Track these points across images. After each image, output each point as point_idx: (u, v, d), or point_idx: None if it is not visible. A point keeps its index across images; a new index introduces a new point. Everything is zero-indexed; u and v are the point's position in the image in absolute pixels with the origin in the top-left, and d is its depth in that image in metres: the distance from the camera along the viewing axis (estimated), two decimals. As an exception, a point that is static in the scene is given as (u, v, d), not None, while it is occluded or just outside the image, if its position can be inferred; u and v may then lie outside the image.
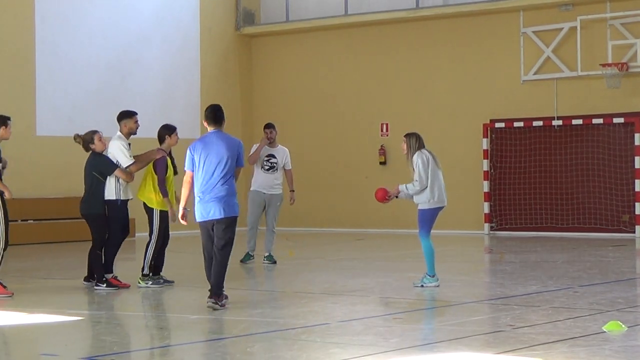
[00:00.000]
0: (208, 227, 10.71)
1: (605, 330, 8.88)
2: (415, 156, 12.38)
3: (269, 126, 15.89)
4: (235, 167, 10.77)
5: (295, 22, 26.15)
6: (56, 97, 22.25)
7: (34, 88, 21.90)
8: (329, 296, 11.80)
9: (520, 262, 16.01)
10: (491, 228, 23.16)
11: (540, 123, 22.65)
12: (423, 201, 12.36)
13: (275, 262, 15.75)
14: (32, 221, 21.09)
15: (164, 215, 12.65)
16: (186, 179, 10.83)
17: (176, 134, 12.95)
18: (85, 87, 22.85)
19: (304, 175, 25.64)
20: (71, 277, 14.12)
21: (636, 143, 21.58)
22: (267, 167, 15.67)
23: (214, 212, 10.61)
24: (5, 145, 12.12)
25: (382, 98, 24.86)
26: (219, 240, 10.64)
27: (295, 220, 25.25)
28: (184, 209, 10.88)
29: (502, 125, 23.07)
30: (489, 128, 23.17)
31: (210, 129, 10.87)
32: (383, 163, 24.53)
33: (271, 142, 15.76)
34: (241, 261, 15.77)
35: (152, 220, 12.64)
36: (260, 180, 15.71)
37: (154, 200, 12.62)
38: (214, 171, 10.63)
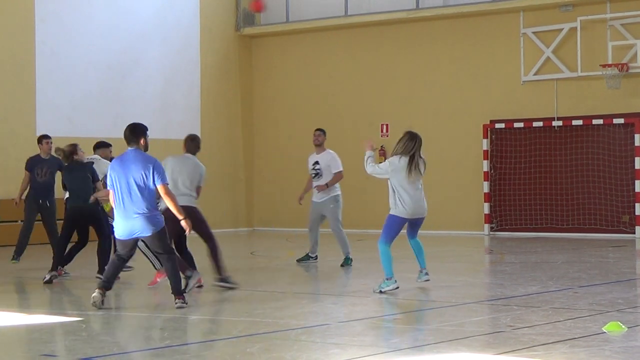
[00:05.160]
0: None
1: (605, 330, 8.88)
2: (394, 157, 11.90)
3: (318, 129, 16.20)
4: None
5: (295, 22, 26.14)
6: (56, 98, 22.24)
7: (34, 88, 21.89)
8: (329, 297, 11.80)
9: (520, 263, 16.00)
10: (491, 229, 23.15)
11: (541, 124, 22.64)
12: (390, 205, 12.03)
13: (348, 264, 15.45)
14: (31, 221, 21.03)
15: None
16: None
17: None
18: (85, 88, 22.84)
19: (303, 176, 25.64)
20: (71, 277, 14.10)
21: (636, 144, 21.58)
22: (313, 175, 15.87)
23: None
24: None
25: (382, 99, 24.84)
26: None
27: (296, 221, 25.24)
28: None
29: (502, 125, 23.07)
30: (489, 128, 23.17)
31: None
32: (383, 164, 24.47)
33: (318, 146, 15.95)
34: (297, 260, 16.12)
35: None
36: (313, 190, 15.90)
37: None
38: None
